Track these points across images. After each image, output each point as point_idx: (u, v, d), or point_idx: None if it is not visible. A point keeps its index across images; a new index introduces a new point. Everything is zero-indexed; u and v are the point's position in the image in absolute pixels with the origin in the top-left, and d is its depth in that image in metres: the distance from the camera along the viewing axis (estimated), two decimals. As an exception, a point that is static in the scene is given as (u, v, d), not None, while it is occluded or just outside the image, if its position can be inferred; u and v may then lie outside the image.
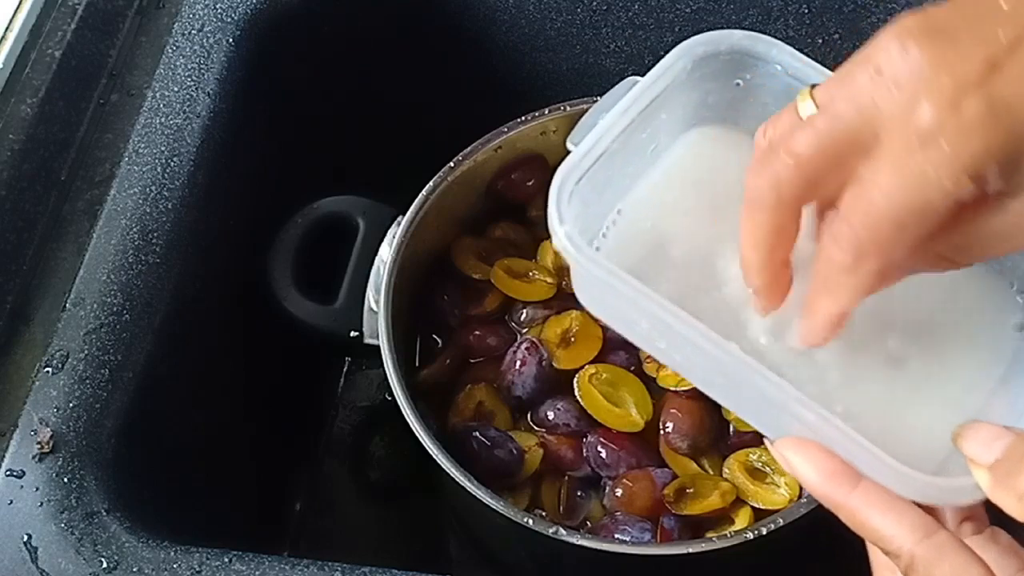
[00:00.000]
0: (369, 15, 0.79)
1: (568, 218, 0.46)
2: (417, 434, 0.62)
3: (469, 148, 0.72)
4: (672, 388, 0.66)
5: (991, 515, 0.47)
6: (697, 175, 0.54)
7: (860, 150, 0.40)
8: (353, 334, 0.69)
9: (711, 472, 0.66)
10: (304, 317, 0.70)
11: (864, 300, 0.45)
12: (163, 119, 0.68)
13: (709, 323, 0.46)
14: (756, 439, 0.66)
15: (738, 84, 0.53)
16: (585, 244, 0.46)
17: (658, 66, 0.51)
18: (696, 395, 0.66)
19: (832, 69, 0.74)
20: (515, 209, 0.76)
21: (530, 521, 0.59)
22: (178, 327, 0.65)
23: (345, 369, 0.93)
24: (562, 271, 0.73)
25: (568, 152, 0.49)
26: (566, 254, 0.47)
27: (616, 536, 0.63)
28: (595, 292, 0.50)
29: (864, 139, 0.40)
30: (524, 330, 0.72)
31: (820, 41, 0.79)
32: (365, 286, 0.69)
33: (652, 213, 0.53)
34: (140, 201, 0.65)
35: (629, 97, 0.50)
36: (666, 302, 0.45)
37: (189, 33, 0.72)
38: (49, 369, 0.60)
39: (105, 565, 0.55)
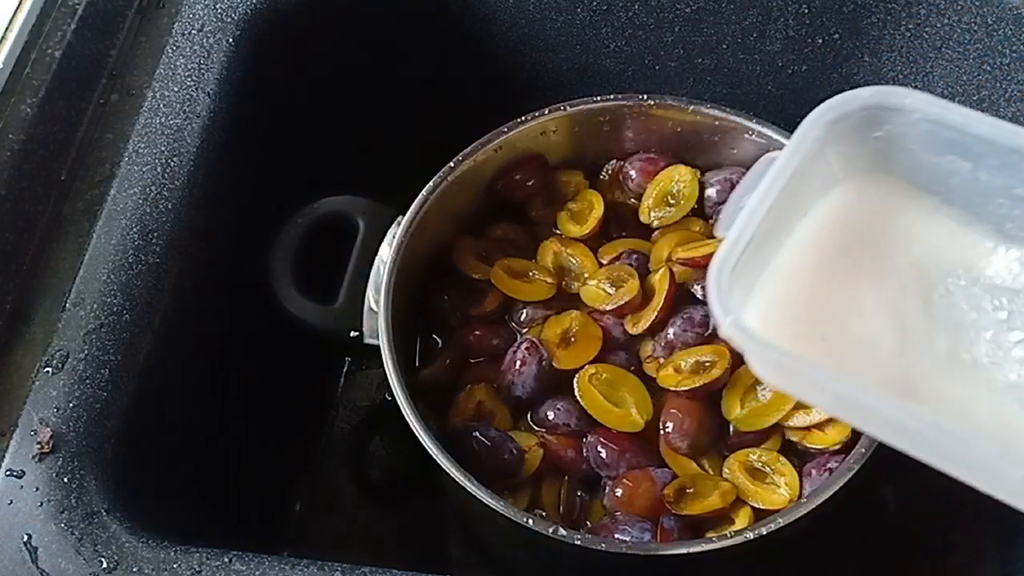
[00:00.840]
0: (369, 15, 0.79)
1: (732, 307, 0.48)
2: (417, 434, 0.62)
3: (469, 148, 0.72)
4: (672, 388, 0.66)
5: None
6: (847, 231, 0.55)
7: None
8: (353, 334, 0.69)
9: (711, 472, 0.66)
10: (304, 317, 0.70)
11: None
12: (163, 119, 0.68)
13: (883, 385, 0.46)
14: (756, 439, 0.66)
15: (878, 136, 0.53)
16: (753, 331, 0.48)
17: (793, 139, 0.52)
18: (696, 395, 0.66)
19: (833, 69, 0.75)
20: (515, 209, 0.76)
21: (530, 521, 0.59)
22: (178, 327, 0.65)
23: (345, 369, 0.93)
24: (562, 271, 0.73)
25: (719, 240, 0.50)
26: (736, 343, 0.48)
27: (616, 536, 0.63)
28: (774, 371, 0.51)
29: None
30: (524, 330, 0.72)
31: (820, 41, 0.79)
32: (365, 286, 0.69)
33: (803, 280, 0.54)
34: (140, 201, 0.65)
35: (768, 178, 0.51)
36: (842, 376, 0.46)
37: (189, 33, 0.72)
38: (49, 369, 0.60)
39: (105, 565, 0.55)
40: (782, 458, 0.65)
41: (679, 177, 0.75)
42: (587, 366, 0.68)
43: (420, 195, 0.70)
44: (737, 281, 0.49)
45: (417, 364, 0.71)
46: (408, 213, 0.70)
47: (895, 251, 0.54)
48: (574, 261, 0.73)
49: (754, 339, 0.48)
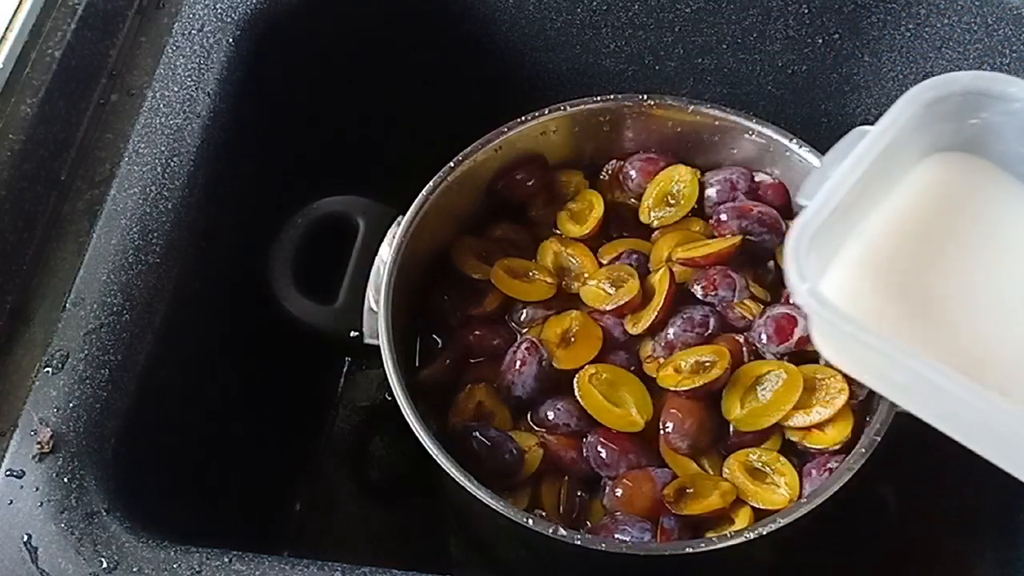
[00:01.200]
0: (369, 15, 0.79)
1: (809, 274, 0.47)
2: (417, 434, 0.62)
3: (469, 148, 0.72)
4: (672, 388, 0.66)
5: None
6: (931, 208, 0.54)
7: None
8: (353, 334, 0.69)
9: (711, 472, 0.66)
10: (304, 317, 0.70)
11: None
12: (163, 119, 0.68)
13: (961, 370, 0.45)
14: (756, 439, 0.66)
15: (974, 123, 0.52)
16: (829, 301, 0.46)
17: (887, 115, 0.51)
18: (696, 395, 0.66)
19: (833, 69, 0.75)
20: (515, 209, 0.76)
21: (530, 521, 0.59)
22: (178, 327, 0.65)
23: (345, 369, 0.93)
24: (562, 271, 0.73)
25: (800, 208, 0.49)
26: (810, 311, 0.47)
27: (616, 536, 0.63)
28: (840, 345, 0.49)
29: None
30: (524, 330, 0.72)
31: (820, 41, 0.79)
32: (365, 286, 0.69)
33: (886, 254, 0.52)
34: (140, 201, 0.65)
35: (859, 149, 0.50)
36: (925, 358, 0.45)
37: (189, 33, 0.72)
38: (49, 369, 0.60)
39: (105, 565, 0.55)
40: (782, 458, 0.65)
41: (679, 177, 0.75)
42: (587, 366, 0.68)
43: (420, 195, 0.70)
44: (815, 251, 0.48)
45: (417, 364, 0.71)
46: (408, 213, 0.70)
47: (984, 236, 0.53)
48: (574, 261, 0.73)
49: (829, 308, 0.46)
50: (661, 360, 0.69)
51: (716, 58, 0.82)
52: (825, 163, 0.52)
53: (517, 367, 0.67)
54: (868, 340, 0.46)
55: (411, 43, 0.82)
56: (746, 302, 0.70)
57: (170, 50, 0.71)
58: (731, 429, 0.67)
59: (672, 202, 0.75)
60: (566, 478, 0.67)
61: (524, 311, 0.72)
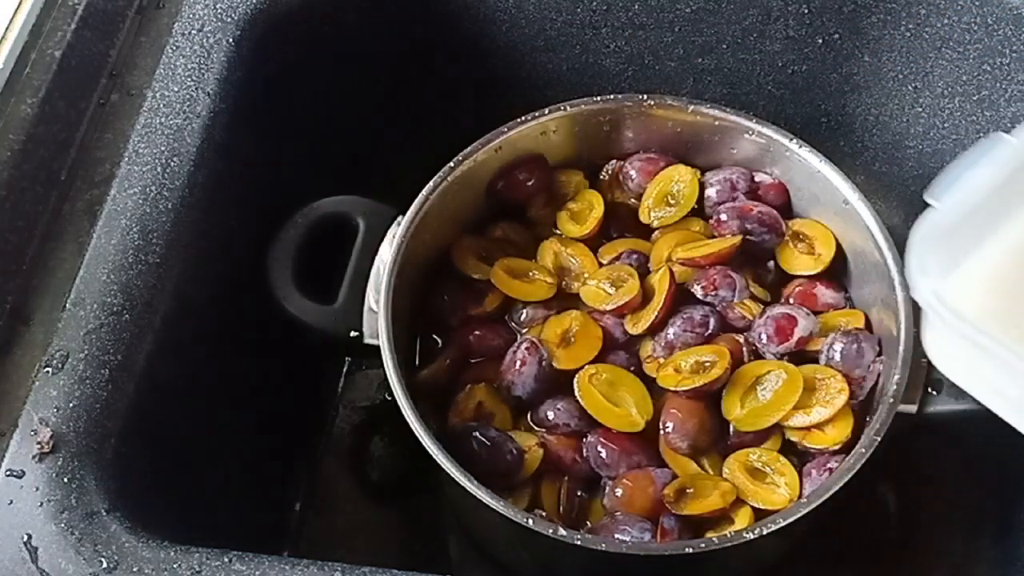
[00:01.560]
0: (369, 15, 0.79)
1: (933, 272, 0.46)
2: (417, 434, 0.62)
3: (469, 148, 0.72)
4: (672, 388, 0.66)
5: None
6: None
7: None
8: (353, 334, 0.69)
9: (711, 472, 0.66)
10: (304, 317, 0.70)
11: None
12: (163, 119, 0.68)
13: None
14: (756, 439, 0.66)
15: None
16: (951, 302, 0.45)
17: None
18: (696, 395, 0.66)
19: (833, 69, 0.74)
20: (515, 209, 0.76)
21: (530, 521, 0.59)
22: (178, 327, 0.65)
23: (345, 369, 0.93)
24: (562, 271, 0.73)
25: (928, 205, 0.48)
26: (929, 310, 0.46)
27: (616, 536, 0.63)
28: (955, 351, 0.48)
29: None
30: (524, 330, 0.72)
31: (820, 41, 0.79)
32: (365, 286, 0.69)
33: (1016, 267, 0.51)
34: (140, 201, 0.65)
35: (999, 157, 0.49)
36: None
37: (189, 33, 0.71)
38: (49, 369, 0.60)
39: (105, 565, 0.55)
40: (782, 458, 0.65)
41: (679, 177, 0.75)
42: (587, 366, 0.68)
43: (420, 195, 0.70)
44: (940, 252, 0.47)
45: (417, 364, 0.71)
46: (408, 213, 0.70)
47: None
48: (574, 261, 0.73)
49: (952, 309, 0.45)
50: (661, 360, 0.69)
51: (716, 58, 0.82)
52: (959, 164, 0.50)
53: (517, 367, 0.67)
54: (992, 345, 0.45)
55: (411, 43, 0.82)
56: (746, 302, 0.70)
57: (170, 50, 0.71)
58: (731, 429, 0.67)
59: (672, 202, 0.75)
60: (566, 478, 0.67)
61: (524, 311, 0.72)
